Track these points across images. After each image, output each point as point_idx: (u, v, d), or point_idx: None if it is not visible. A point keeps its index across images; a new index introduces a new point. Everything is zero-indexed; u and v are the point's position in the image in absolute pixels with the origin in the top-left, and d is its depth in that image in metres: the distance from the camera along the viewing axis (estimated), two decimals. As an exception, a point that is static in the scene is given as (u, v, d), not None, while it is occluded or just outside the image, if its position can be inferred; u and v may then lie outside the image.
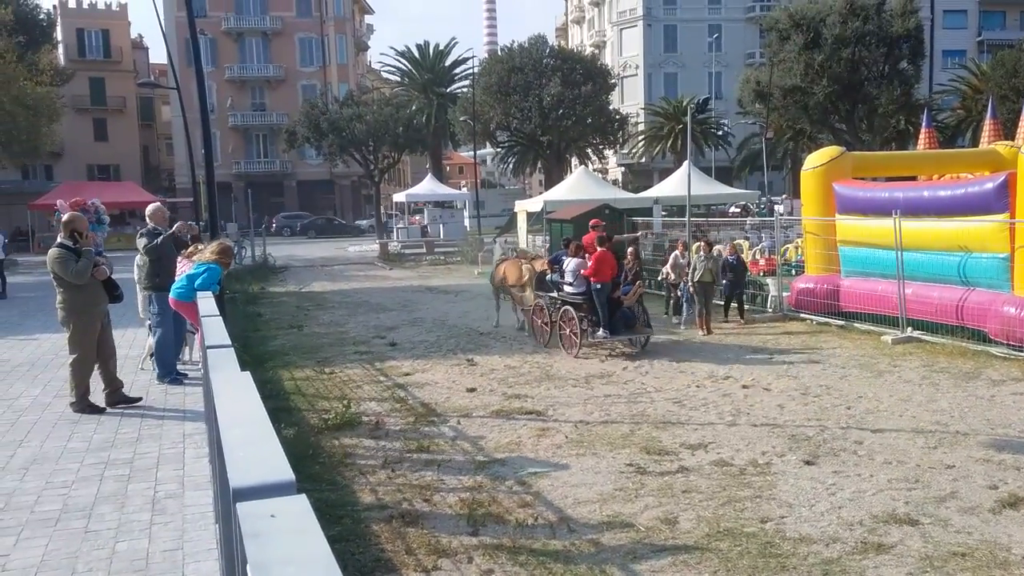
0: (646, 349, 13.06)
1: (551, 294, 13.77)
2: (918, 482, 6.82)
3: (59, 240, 8.64)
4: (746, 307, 15.93)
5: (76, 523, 5.58)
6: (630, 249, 14.69)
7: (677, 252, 15.74)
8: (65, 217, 9.11)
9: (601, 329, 12.84)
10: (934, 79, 55.95)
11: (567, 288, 13.29)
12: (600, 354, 12.82)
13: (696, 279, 14.38)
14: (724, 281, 15.35)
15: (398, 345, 14.03)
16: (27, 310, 18.34)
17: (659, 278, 16.49)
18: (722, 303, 15.75)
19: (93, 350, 8.64)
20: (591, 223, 16.21)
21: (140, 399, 8.91)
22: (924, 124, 21.74)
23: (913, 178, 18.35)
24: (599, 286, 12.73)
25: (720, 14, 68.49)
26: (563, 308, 13.22)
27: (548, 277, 14.11)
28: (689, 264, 15.00)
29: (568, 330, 12.98)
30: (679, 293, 15.49)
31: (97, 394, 8.82)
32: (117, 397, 8.79)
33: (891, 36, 36.97)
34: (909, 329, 13.24)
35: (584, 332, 12.88)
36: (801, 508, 6.32)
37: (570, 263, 13.33)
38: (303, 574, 1.31)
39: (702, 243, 14.96)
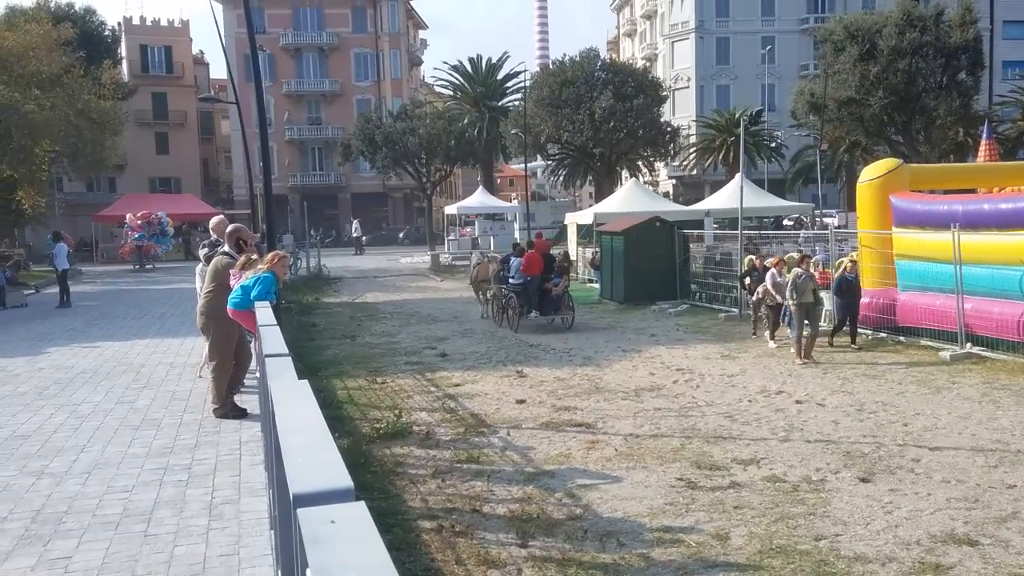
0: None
1: (503, 286, 17.63)
2: (978, 502, 6.66)
3: (224, 248, 9.29)
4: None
5: (136, 527, 5.73)
6: (563, 252, 19.90)
7: (774, 271, 14.23)
8: (230, 228, 9.67)
9: (533, 311, 17.00)
10: (994, 90, 54.79)
11: (511, 281, 17.30)
12: (651, 367, 12.76)
13: (799, 300, 12.91)
14: (838, 301, 14.07)
15: (448, 356, 14.13)
16: (91, 318, 18.85)
17: (754, 298, 15.15)
18: (830, 326, 14.55)
19: (231, 357, 8.93)
20: (535, 232, 22.30)
21: (245, 411, 8.93)
22: (984, 136, 21.32)
23: (972, 191, 17.97)
24: (528, 278, 16.88)
25: (773, 26, 67.77)
26: (508, 296, 17.22)
27: (500, 273, 18.03)
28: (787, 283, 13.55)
29: (510, 311, 17.15)
30: (783, 314, 13.97)
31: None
32: (230, 400, 9.02)
33: (949, 47, 36.25)
34: (968, 345, 12.93)
35: (521, 313, 16.89)
36: (856, 526, 6.21)
37: (514, 262, 17.39)
38: (363, 578, 1.35)
39: (802, 258, 13.68)
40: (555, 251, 21.11)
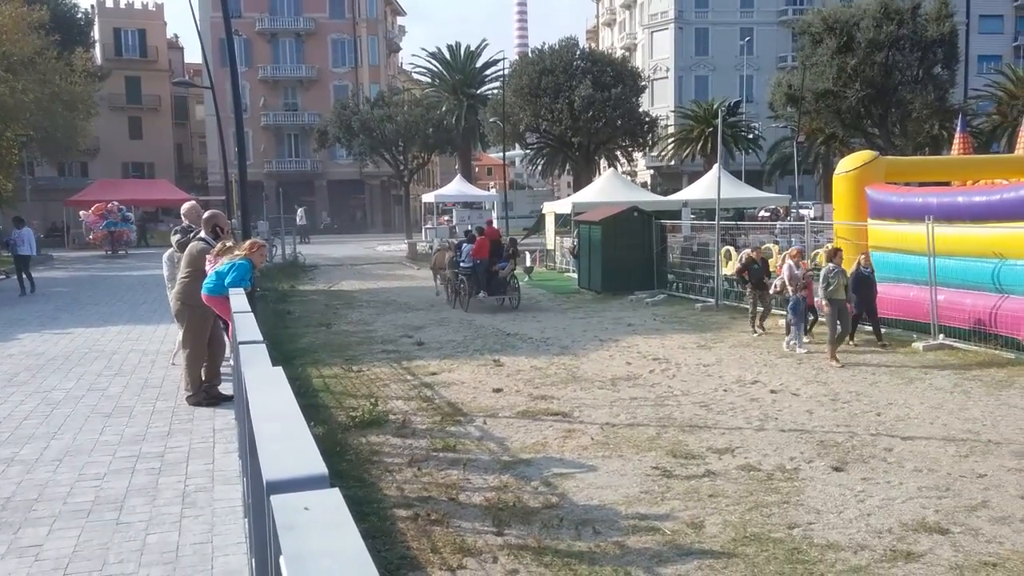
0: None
1: (456, 269, 19.16)
2: (949, 490, 6.74)
3: (201, 235, 9.14)
4: (773, 311, 15.29)
5: (108, 515, 5.67)
6: (511, 239, 21.70)
7: (791, 263, 13.61)
8: (207, 214, 9.56)
9: (482, 292, 18.58)
10: (969, 84, 55.39)
11: (463, 264, 18.84)
12: (628, 356, 12.79)
13: (828, 295, 12.13)
14: (853, 297, 12.95)
15: (425, 344, 14.09)
16: (61, 304, 18.62)
17: (771, 291, 14.55)
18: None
19: (204, 345, 8.84)
20: (486, 220, 26.00)
21: (231, 397, 8.63)
22: (959, 129, 21.52)
23: (947, 183, 18.14)
24: (478, 261, 18.56)
25: (752, 17, 68.05)
26: (460, 278, 18.84)
27: (454, 258, 19.63)
28: (803, 276, 13.25)
29: (462, 292, 18.80)
30: (792, 307, 13.26)
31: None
32: (214, 393, 8.93)
33: (925, 40, 36.55)
34: (941, 336, 13.08)
35: (471, 293, 18.54)
36: (829, 515, 6.27)
37: (465, 247, 19.08)
38: (338, 566, 1.32)
39: (834, 252, 12.84)
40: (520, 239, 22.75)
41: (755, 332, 14.65)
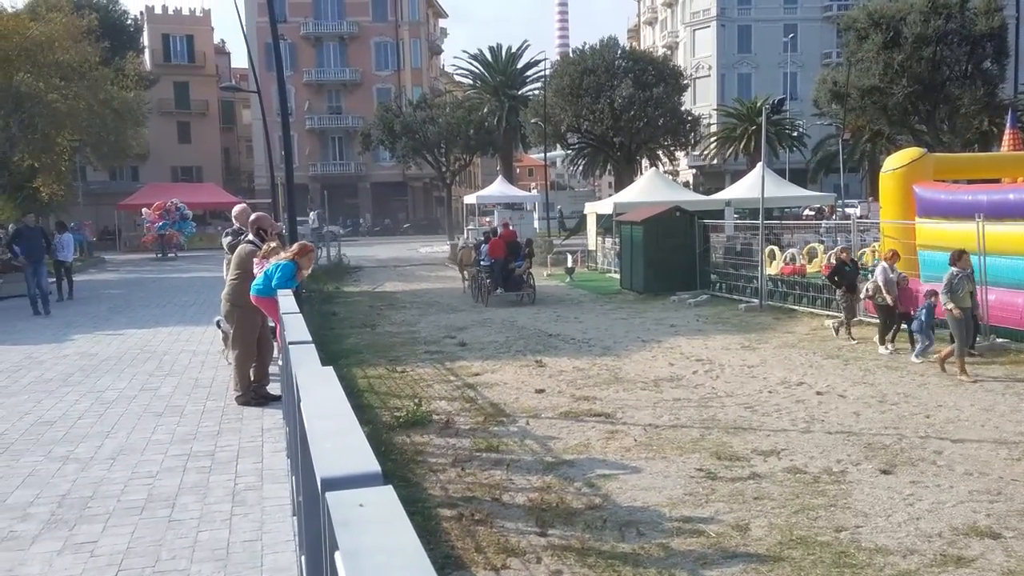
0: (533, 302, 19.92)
1: (477, 267, 21.03)
2: (1000, 494, 6.62)
3: (249, 237, 9.42)
4: (825, 312, 14.76)
5: (160, 512, 5.80)
6: (527, 239, 22.88)
7: (886, 265, 12.75)
8: (252, 217, 9.78)
9: (499, 288, 19.97)
10: (1019, 79, 54.02)
11: (482, 263, 20.65)
12: (671, 357, 12.73)
13: (957, 304, 10.87)
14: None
15: (468, 345, 14.16)
16: (115, 306, 19.04)
17: (863, 296, 13.72)
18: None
19: (254, 346, 9.01)
20: (502, 222, 26.29)
21: (279, 397, 8.67)
22: (1008, 125, 21.11)
23: (997, 180, 17.77)
24: (493, 260, 20.14)
25: (796, 13, 67.19)
26: (481, 275, 20.49)
27: (474, 257, 21.57)
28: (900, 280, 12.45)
29: (481, 288, 20.35)
30: (922, 322, 12.02)
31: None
32: (262, 393, 9.10)
33: (974, 35, 35.78)
34: (992, 336, 12.82)
35: (490, 289, 19.95)
36: (877, 518, 6.19)
37: (483, 247, 20.83)
38: (393, 562, 1.36)
39: (960, 255, 11.26)
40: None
41: (852, 340, 13.52)
